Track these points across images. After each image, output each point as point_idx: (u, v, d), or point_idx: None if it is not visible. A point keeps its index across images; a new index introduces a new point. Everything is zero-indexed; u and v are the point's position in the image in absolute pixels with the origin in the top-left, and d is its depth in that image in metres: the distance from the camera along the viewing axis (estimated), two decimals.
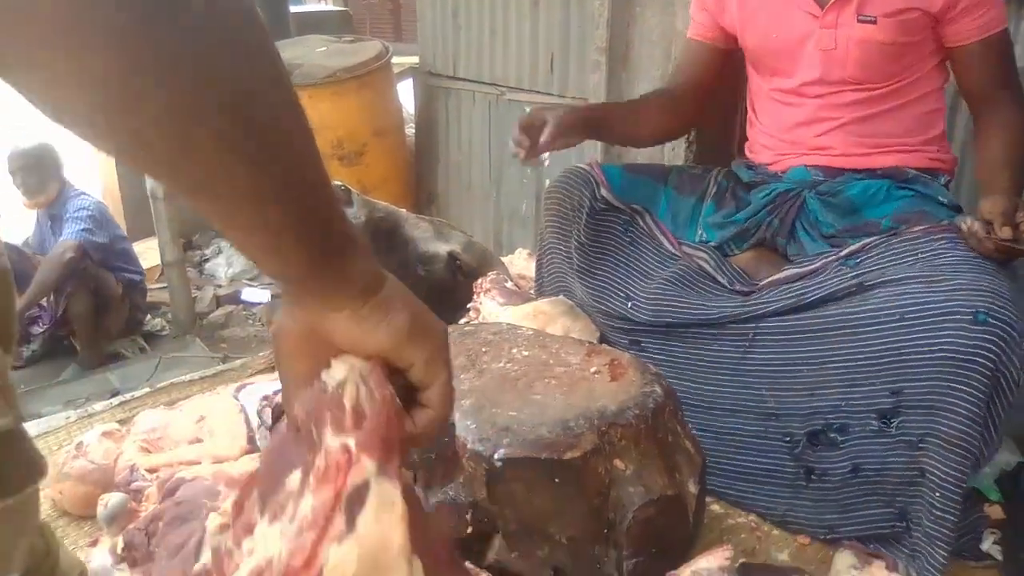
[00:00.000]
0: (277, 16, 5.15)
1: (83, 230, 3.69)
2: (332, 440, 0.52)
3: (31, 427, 1.71)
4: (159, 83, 0.38)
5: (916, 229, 1.38)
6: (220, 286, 4.60)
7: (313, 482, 0.52)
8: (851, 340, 1.30)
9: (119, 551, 1.19)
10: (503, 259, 2.41)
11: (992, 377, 1.17)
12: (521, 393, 1.21)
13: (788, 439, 1.39)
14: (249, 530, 0.56)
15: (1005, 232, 1.21)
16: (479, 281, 1.99)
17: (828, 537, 1.35)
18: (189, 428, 1.47)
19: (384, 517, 0.51)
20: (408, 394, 0.56)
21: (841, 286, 1.34)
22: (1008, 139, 1.45)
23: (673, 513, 1.15)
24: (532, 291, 1.95)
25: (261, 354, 2.17)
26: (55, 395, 3.32)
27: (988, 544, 1.35)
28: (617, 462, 1.12)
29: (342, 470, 0.52)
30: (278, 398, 1.45)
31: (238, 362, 2.15)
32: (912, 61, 1.52)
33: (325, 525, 0.51)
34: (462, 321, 1.91)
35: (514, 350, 1.35)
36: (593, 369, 1.28)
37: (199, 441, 1.44)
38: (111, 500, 1.30)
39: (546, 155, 1.61)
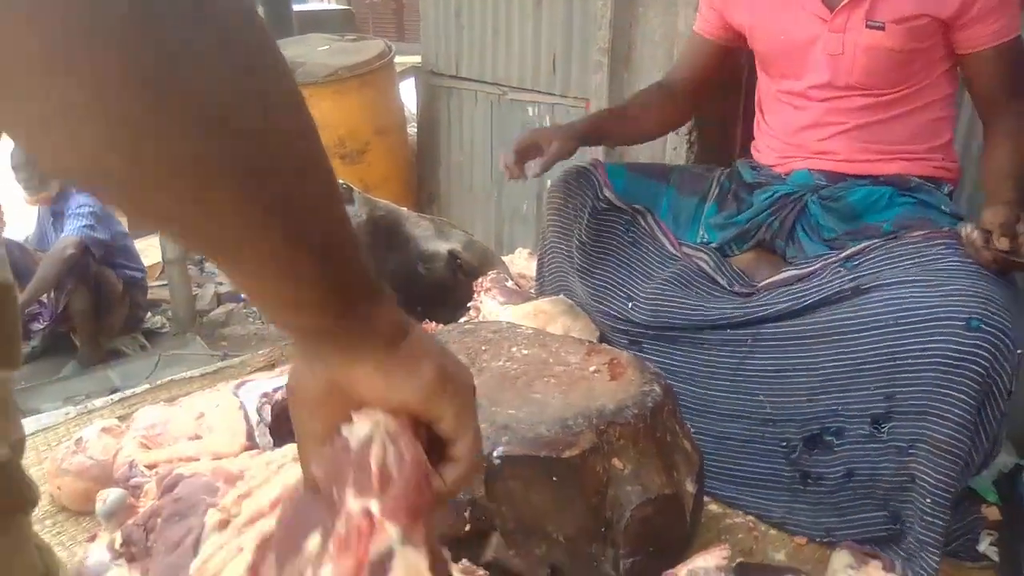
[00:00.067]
0: (279, 14, 5.16)
1: (85, 227, 3.69)
2: (354, 503, 0.49)
3: (31, 423, 1.71)
4: (182, 134, 0.35)
5: (916, 234, 1.37)
6: (221, 284, 4.60)
7: (333, 549, 0.49)
8: (847, 345, 1.30)
9: (117, 546, 1.19)
10: (504, 258, 2.42)
11: (983, 384, 1.17)
12: (520, 392, 1.22)
13: (785, 444, 1.39)
14: None
15: (1003, 244, 1.21)
16: (479, 280, 2.00)
17: (826, 540, 1.35)
18: (188, 425, 1.47)
19: None
20: (432, 445, 0.53)
21: (837, 289, 1.34)
22: (1015, 148, 1.44)
23: (670, 512, 1.16)
24: (533, 290, 1.95)
25: (261, 352, 2.17)
26: (55, 392, 3.32)
27: (985, 545, 1.35)
28: (615, 461, 1.12)
29: (364, 537, 0.48)
30: (278, 395, 1.45)
31: (238, 359, 2.15)
32: (920, 68, 1.50)
33: None
34: (462, 320, 1.91)
35: (514, 349, 1.35)
36: (592, 368, 1.28)
37: (198, 438, 1.44)
38: (110, 496, 1.30)
39: (533, 171, 1.63)
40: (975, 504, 1.42)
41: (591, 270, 1.65)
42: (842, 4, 1.48)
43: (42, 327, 3.81)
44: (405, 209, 2.40)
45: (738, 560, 1.22)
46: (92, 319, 3.76)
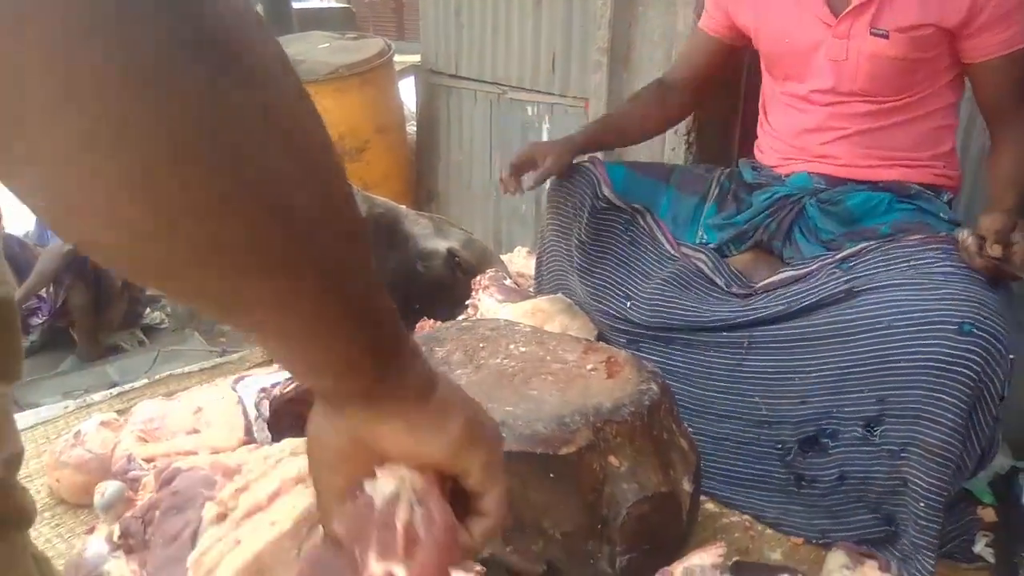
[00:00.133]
0: (280, 12, 5.16)
1: None
2: (376, 566, 0.46)
3: (29, 416, 1.72)
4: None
5: (913, 237, 1.37)
6: None
7: None
8: (841, 347, 1.31)
9: (115, 539, 1.19)
10: (502, 257, 2.42)
11: (975, 388, 1.17)
12: (517, 389, 1.22)
13: (780, 446, 1.40)
14: None
15: (995, 250, 1.20)
16: (478, 278, 2.00)
17: (821, 541, 1.36)
18: (187, 419, 1.47)
19: None
20: (455, 497, 0.50)
21: (832, 291, 1.34)
22: (1020, 157, 1.43)
23: (667, 510, 1.16)
24: (531, 289, 1.96)
25: (259, 348, 2.17)
26: (53, 386, 3.32)
27: (980, 546, 1.36)
28: (612, 459, 1.12)
29: None
30: (276, 390, 1.45)
31: (236, 355, 2.16)
32: (924, 77, 1.49)
33: None
34: (460, 317, 1.92)
35: (511, 346, 1.36)
36: (589, 366, 1.28)
37: (196, 432, 1.44)
38: (108, 489, 1.30)
39: (527, 184, 1.69)
40: (971, 506, 1.43)
41: (590, 269, 1.66)
42: (847, 10, 1.47)
43: (41, 322, 3.81)
44: (404, 207, 2.40)
45: (734, 559, 1.22)
46: (91, 314, 3.76)
